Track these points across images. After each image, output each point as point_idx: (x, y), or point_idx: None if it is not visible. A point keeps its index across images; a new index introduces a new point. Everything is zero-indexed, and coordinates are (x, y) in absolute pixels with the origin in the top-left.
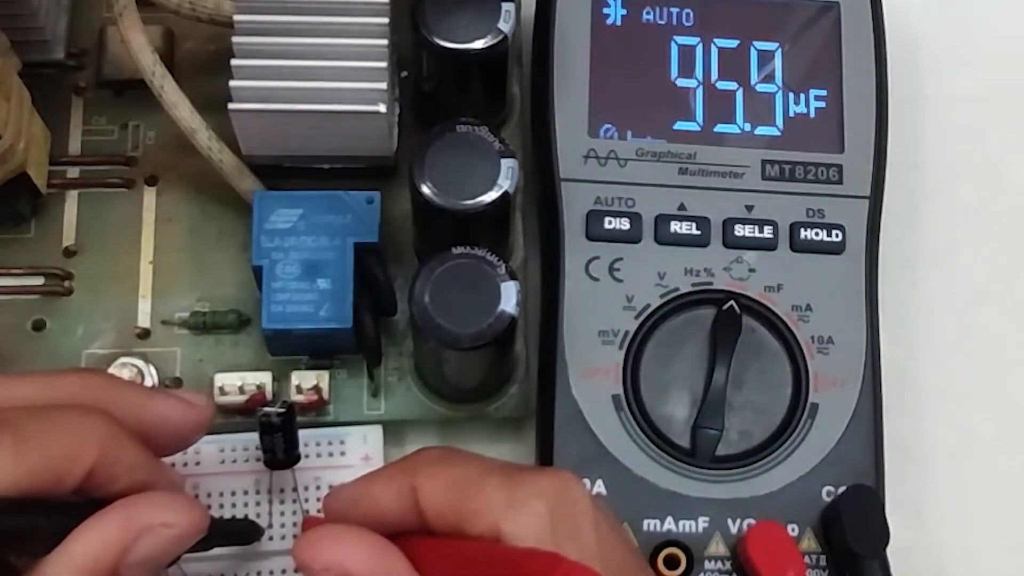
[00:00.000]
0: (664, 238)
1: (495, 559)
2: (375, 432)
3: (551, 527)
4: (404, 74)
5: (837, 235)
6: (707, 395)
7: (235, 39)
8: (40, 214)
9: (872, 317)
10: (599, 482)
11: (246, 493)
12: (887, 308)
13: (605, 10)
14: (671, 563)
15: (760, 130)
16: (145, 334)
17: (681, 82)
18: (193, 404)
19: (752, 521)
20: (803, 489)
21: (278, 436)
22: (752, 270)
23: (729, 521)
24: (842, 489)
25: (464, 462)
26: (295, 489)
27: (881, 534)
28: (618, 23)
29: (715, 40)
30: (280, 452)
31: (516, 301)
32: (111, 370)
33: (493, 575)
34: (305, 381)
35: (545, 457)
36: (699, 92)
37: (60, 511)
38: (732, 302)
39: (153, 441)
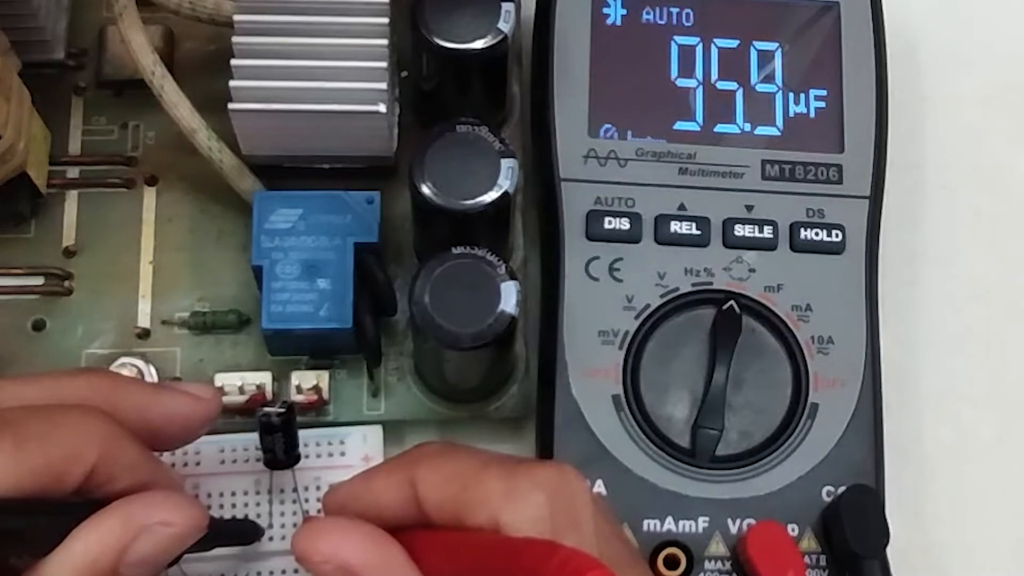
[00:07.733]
0: (664, 238)
1: (493, 548)
2: (375, 432)
3: (550, 518)
4: (404, 74)
5: (837, 235)
6: (707, 395)
7: (235, 39)
8: (40, 214)
9: (872, 317)
10: (599, 482)
11: (246, 493)
12: (887, 308)
13: (605, 10)
14: (671, 563)
15: (760, 130)
16: (145, 334)
17: (681, 82)
18: (200, 398)
19: (752, 521)
20: (803, 489)
21: (278, 436)
22: (752, 270)
23: (729, 521)
24: (842, 489)
25: (463, 455)
26: (295, 489)
27: (881, 534)
28: (618, 23)
29: (715, 40)
30: (280, 452)
31: (516, 301)
32: (111, 370)
33: (491, 564)
34: (305, 381)
35: (545, 457)
36: (699, 92)
37: (60, 511)
38: (732, 302)
39: (160, 437)
